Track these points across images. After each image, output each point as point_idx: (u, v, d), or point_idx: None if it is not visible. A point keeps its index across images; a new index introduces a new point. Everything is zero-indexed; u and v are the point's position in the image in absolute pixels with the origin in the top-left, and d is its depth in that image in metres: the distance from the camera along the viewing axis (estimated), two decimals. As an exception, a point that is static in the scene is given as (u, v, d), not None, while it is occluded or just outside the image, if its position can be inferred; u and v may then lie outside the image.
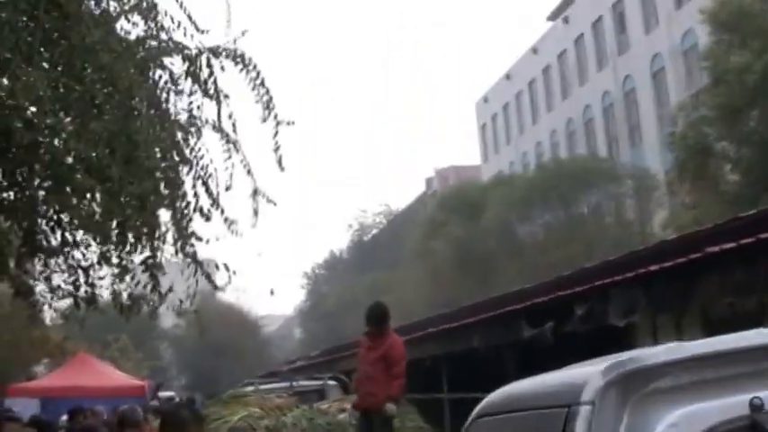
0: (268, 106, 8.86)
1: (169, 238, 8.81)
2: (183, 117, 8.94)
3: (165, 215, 8.80)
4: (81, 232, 8.75)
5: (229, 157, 9.05)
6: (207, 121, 9.01)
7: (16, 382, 23.98)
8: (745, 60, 26.18)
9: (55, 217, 8.47)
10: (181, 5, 8.74)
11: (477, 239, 42.61)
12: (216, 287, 9.43)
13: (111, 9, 8.50)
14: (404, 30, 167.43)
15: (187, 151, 8.84)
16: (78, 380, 20.13)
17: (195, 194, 9.00)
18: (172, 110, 8.90)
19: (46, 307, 10.70)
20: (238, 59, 8.75)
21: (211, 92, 8.81)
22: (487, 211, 43.51)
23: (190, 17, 8.80)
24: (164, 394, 29.69)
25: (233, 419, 12.67)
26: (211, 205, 9.06)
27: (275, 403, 13.68)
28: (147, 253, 8.85)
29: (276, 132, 9.05)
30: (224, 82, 8.98)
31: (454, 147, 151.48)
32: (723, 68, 27.30)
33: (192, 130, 8.90)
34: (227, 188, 9.00)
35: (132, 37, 8.54)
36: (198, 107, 8.99)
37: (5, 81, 7.04)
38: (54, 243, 8.78)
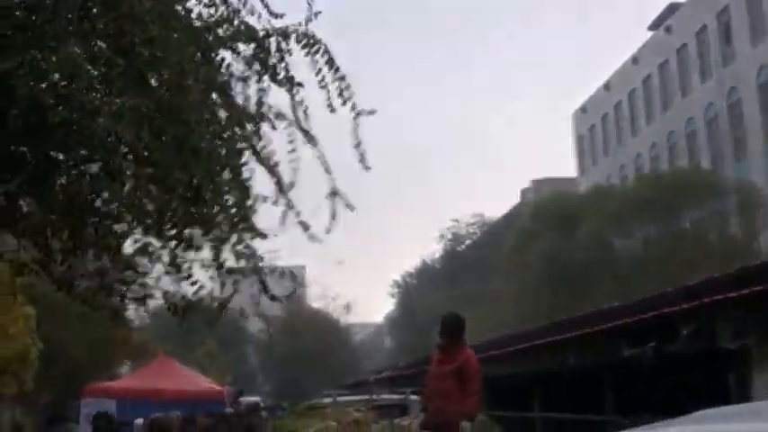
0: (342, 94, 8.08)
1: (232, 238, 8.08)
2: (251, 104, 8.17)
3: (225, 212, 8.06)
4: (130, 224, 8.08)
5: (293, 150, 8.29)
6: (274, 112, 8.22)
7: (98, 382, 23.66)
8: None
9: (102, 207, 7.79)
10: None
11: (571, 252, 41.27)
12: (273, 298, 8.61)
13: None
14: (500, 37, 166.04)
15: (254, 140, 8.08)
16: (156, 383, 19.61)
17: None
18: (239, 98, 8.15)
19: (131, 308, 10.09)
20: (310, 41, 7.96)
21: (281, 78, 8.06)
22: (583, 224, 42.18)
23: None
24: (249, 399, 29.21)
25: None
26: (285, 205, 8.30)
27: (353, 417, 12.95)
28: (206, 251, 8.16)
29: (357, 125, 8.30)
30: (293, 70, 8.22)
31: (551, 158, 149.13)
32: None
33: (260, 119, 8.11)
34: (291, 185, 8.22)
35: (198, 20, 7.83)
36: (265, 95, 8.21)
37: (39, 54, 6.36)
38: (102, 236, 8.12)
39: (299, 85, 8.20)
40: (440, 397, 10.83)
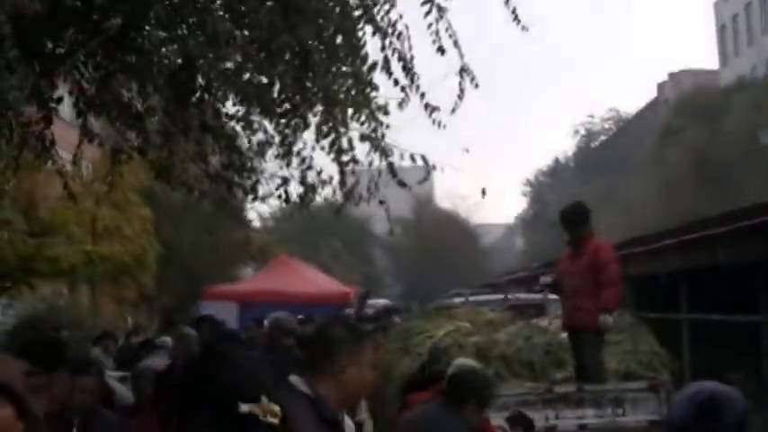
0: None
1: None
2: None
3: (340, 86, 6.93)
4: (236, 101, 7.08)
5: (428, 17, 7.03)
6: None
7: (218, 285, 23.27)
8: None
9: (202, 80, 6.80)
10: None
11: (716, 147, 39.07)
12: (402, 183, 7.49)
13: None
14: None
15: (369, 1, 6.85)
16: (279, 284, 18.92)
17: (386, 62, 7.03)
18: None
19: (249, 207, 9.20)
20: None
21: None
22: (728, 118, 39.80)
23: None
24: (377, 302, 28.56)
25: (437, 335, 10.89)
26: (406, 78, 7.08)
27: (487, 318, 11.86)
28: (326, 132, 7.07)
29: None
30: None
31: (688, 50, 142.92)
32: None
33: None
34: (412, 57, 6.98)
35: None
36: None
37: None
38: (204, 116, 7.15)
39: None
40: (575, 295, 9.94)
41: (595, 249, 9.78)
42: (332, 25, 6.57)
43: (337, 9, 6.58)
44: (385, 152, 7.24)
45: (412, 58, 7.04)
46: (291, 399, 3.77)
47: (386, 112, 7.19)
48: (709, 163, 38.74)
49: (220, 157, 7.94)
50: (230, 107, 7.60)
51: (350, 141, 7.22)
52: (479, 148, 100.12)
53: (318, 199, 8.22)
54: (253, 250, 32.89)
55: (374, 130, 7.08)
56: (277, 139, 7.40)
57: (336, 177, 7.54)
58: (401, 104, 7.10)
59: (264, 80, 6.87)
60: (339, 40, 6.73)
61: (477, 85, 7.17)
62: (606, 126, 75.59)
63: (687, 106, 46.43)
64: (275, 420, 2.18)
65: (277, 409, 2.21)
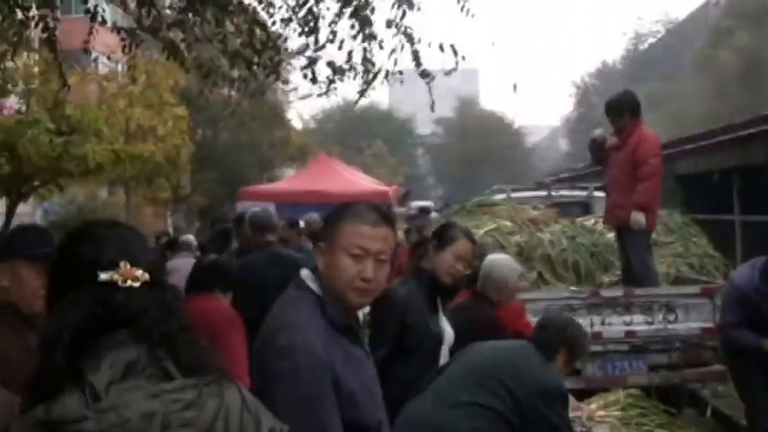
0: None
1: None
2: None
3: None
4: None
5: None
6: None
7: (255, 185, 22.86)
8: None
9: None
10: None
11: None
12: (424, 74, 6.97)
13: None
14: None
15: None
16: (316, 184, 18.32)
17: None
18: None
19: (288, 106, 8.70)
20: None
21: None
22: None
23: None
24: (419, 203, 28.01)
25: (478, 233, 10.29)
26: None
27: (530, 215, 11.21)
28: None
29: None
30: None
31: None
32: None
33: None
34: None
35: None
36: None
37: None
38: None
39: None
40: (616, 190, 9.34)
41: (638, 141, 9.09)
42: None
43: None
44: (411, 38, 6.75)
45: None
46: (298, 297, 3.15)
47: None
48: (761, 65, 37.44)
49: (240, 36, 7.32)
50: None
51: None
52: (528, 53, 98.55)
53: (364, 99, 7.73)
54: (292, 150, 32.35)
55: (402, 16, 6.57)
56: (301, 13, 6.80)
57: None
58: None
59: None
60: None
61: None
62: (655, 29, 73.85)
63: (739, 7, 44.87)
64: (136, 284, 2.14)
65: (140, 272, 2.16)
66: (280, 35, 7.36)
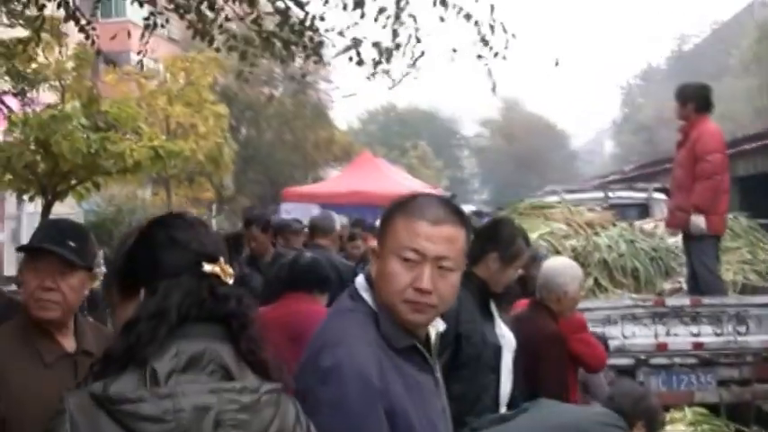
0: None
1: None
2: None
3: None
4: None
5: None
6: None
7: (299, 185, 22.51)
8: None
9: None
10: None
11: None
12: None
13: None
14: None
15: None
16: (360, 185, 17.91)
17: None
18: None
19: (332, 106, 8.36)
20: None
21: None
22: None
23: None
24: (464, 207, 27.45)
25: (531, 237, 9.70)
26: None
27: (586, 218, 10.60)
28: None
29: None
30: None
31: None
32: None
33: None
34: None
35: None
36: None
37: None
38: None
39: None
40: (677, 190, 8.80)
41: (698, 136, 8.52)
42: None
43: None
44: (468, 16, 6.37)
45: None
46: (350, 310, 2.59)
47: None
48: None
49: (275, 16, 6.84)
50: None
51: None
52: (574, 57, 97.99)
53: (407, 98, 7.30)
54: (336, 150, 31.94)
55: None
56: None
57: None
58: None
59: None
60: None
61: None
62: (700, 29, 73.28)
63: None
64: (230, 281, 2.16)
65: (231, 270, 2.18)
66: (315, 16, 6.87)
